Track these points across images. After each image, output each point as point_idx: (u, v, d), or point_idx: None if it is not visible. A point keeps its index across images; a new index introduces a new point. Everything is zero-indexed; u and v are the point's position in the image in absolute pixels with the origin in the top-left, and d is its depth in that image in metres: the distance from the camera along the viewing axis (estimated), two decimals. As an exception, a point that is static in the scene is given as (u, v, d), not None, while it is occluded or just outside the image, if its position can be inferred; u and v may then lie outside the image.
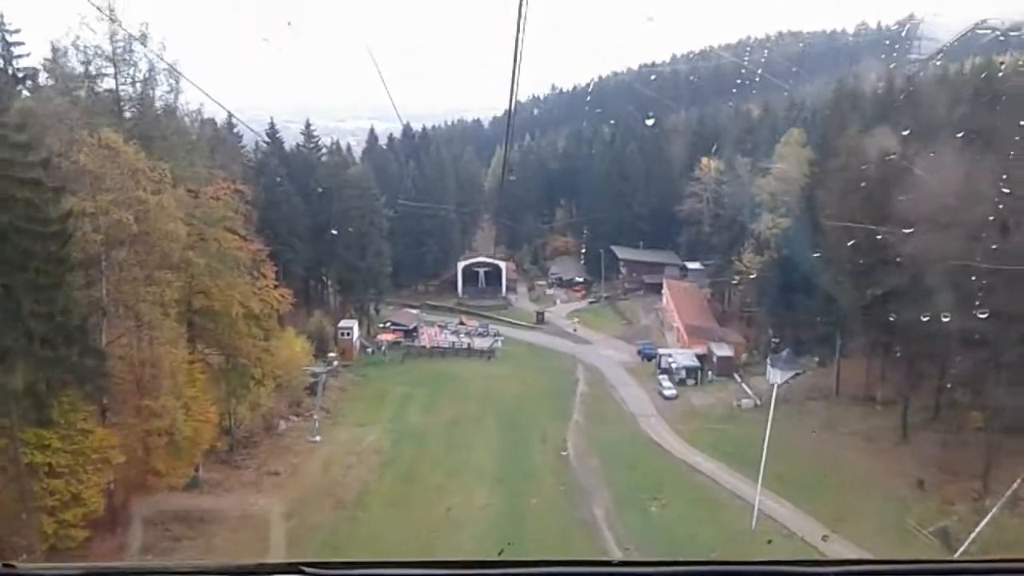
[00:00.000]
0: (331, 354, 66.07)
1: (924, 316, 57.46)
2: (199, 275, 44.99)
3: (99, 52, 45.82)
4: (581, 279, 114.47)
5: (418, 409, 74.00)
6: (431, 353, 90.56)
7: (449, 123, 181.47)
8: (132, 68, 44.89)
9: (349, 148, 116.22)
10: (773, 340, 77.87)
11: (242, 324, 46.74)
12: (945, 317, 55.71)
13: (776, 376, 75.93)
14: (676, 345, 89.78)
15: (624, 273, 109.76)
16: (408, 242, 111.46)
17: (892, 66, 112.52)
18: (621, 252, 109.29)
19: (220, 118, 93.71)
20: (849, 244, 67.69)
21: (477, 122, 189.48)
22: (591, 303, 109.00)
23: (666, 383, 77.31)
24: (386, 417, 71.17)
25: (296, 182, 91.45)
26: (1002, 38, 61.13)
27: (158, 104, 47.36)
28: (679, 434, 67.36)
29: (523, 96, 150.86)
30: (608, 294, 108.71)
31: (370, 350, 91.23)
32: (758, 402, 72.89)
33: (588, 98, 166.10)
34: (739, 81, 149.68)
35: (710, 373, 79.40)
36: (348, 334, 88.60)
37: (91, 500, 38.38)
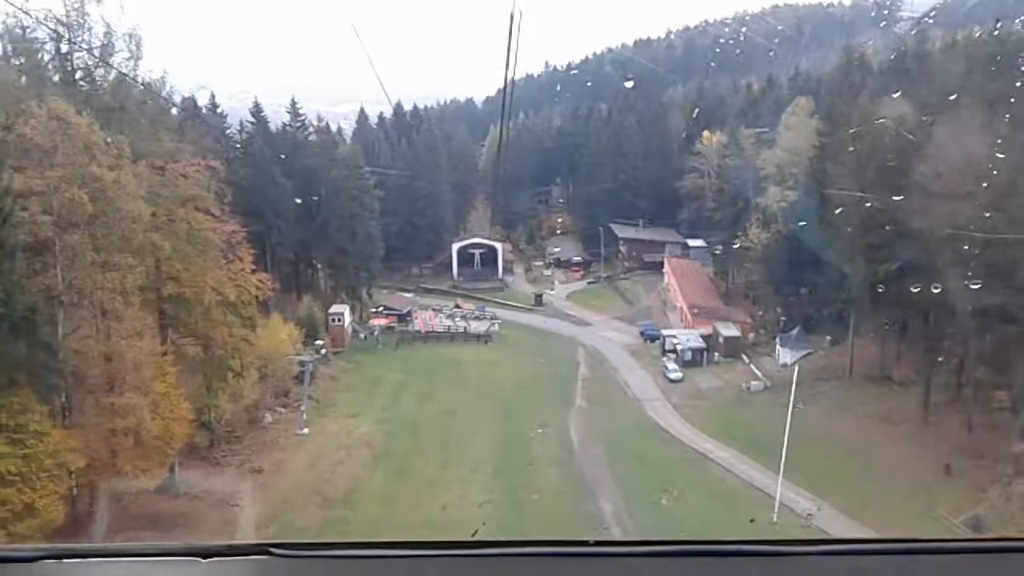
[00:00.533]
0: (319, 341, 62.12)
1: (941, 290, 53.80)
2: (167, 260, 40.75)
3: (49, 15, 41.25)
4: (579, 259, 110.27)
5: (412, 397, 69.96)
6: (426, 338, 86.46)
7: (442, 103, 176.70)
8: (87, 32, 40.36)
9: (340, 130, 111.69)
10: (782, 319, 73.92)
11: (217, 312, 42.50)
12: (965, 291, 51.98)
13: (786, 356, 72.18)
14: (680, 325, 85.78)
15: (624, 252, 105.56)
16: (401, 223, 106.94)
17: (883, 24, 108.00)
18: (620, 230, 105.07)
19: (204, 98, 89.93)
20: (862, 216, 63.98)
21: (470, 101, 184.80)
22: (590, 283, 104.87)
23: (671, 366, 73.31)
24: (378, 406, 67.13)
25: (282, 163, 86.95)
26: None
27: (116, 72, 42.77)
28: (687, 419, 63.45)
29: (516, 74, 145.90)
30: (607, 274, 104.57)
31: (362, 336, 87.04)
32: (768, 384, 69.05)
33: (582, 74, 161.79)
34: (738, 52, 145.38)
35: (716, 354, 75.38)
36: (339, 320, 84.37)
37: (48, 509, 34.28)
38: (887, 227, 59.11)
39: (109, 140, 35.32)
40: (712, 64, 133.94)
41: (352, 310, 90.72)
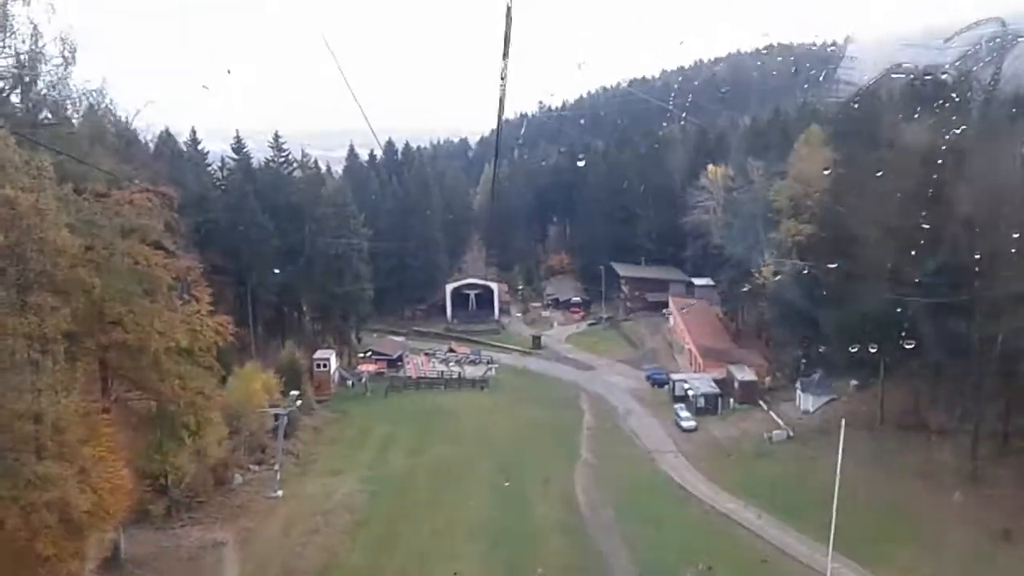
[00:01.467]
0: (293, 392, 55.01)
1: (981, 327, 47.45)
2: (109, 300, 34.05)
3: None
4: (579, 299, 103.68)
5: (401, 451, 62.75)
6: (417, 384, 79.38)
7: (435, 143, 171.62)
8: (9, 37, 33.86)
9: (329, 169, 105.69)
10: (801, 362, 67.03)
11: (167, 361, 35.66)
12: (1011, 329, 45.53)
13: (807, 403, 65.38)
14: (689, 369, 78.92)
15: (626, 292, 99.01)
16: (392, 264, 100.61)
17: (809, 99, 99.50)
18: (622, 269, 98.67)
19: (183, 134, 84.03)
20: (889, 248, 57.72)
21: (464, 142, 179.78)
22: (591, 325, 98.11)
23: (683, 413, 66.30)
24: (364, 462, 59.90)
25: (264, 199, 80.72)
26: (917, 82, 55.89)
27: (44, 83, 36.32)
28: (705, 474, 56.28)
29: (510, 114, 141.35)
30: (609, 314, 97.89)
31: (350, 383, 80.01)
32: (790, 433, 62.02)
33: (577, 114, 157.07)
34: (732, 89, 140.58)
35: (731, 400, 68.43)
36: (324, 365, 77.42)
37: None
38: (919, 259, 52.73)
39: (28, 159, 28.83)
40: (721, 93, 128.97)
41: (340, 355, 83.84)
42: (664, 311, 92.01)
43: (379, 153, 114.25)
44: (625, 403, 72.46)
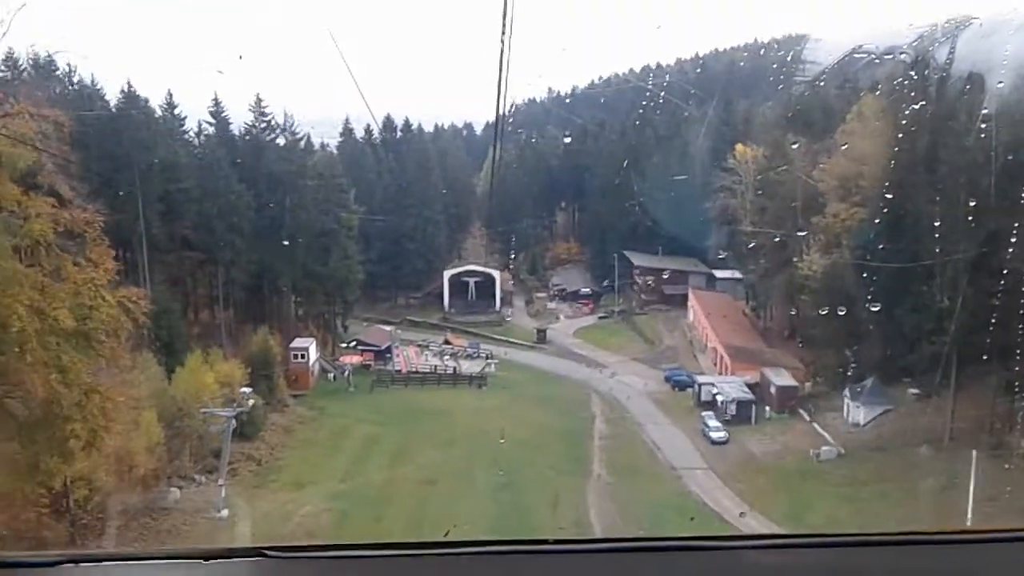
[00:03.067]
0: (245, 389, 44.14)
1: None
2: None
3: None
4: (588, 291, 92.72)
5: (383, 458, 52.13)
6: (407, 380, 68.59)
7: (438, 127, 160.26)
8: None
9: (323, 144, 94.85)
10: (850, 365, 56.14)
11: (37, 347, 25.04)
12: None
13: (858, 414, 54.56)
14: (714, 371, 68.16)
15: (640, 283, 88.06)
16: (386, 247, 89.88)
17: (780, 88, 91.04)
18: (636, 259, 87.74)
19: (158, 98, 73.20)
20: (963, 232, 47.46)
21: (468, 127, 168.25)
22: (601, 318, 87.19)
23: (712, 422, 55.50)
24: (337, 471, 49.25)
25: (242, 168, 69.95)
26: (877, 61, 56.95)
27: None
28: (744, 499, 45.50)
29: (518, 99, 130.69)
30: (621, 308, 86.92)
31: (331, 376, 69.28)
32: (841, 451, 51.26)
33: (588, 99, 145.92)
34: (755, 76, 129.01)
35: (767, 409, 57.66)
36: (303, 356, 66.61)
37: None
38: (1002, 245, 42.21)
39: None
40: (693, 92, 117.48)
41: (324, 344, 73.09)
42: (691, 305, 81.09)
43: (377, 131, 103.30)
44: (643, 408, 61.66)
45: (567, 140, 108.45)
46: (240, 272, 67.38)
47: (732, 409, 57.17)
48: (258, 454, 51.56)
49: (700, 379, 62.14)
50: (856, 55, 59.59)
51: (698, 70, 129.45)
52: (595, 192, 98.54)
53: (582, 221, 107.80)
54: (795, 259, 61.28)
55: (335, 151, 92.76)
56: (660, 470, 50.62)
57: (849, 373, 56.43)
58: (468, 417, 59.82)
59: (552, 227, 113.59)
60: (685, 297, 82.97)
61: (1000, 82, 46.04)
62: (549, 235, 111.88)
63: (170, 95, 74.34)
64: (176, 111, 75.12)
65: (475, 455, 52.30)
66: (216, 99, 74.19)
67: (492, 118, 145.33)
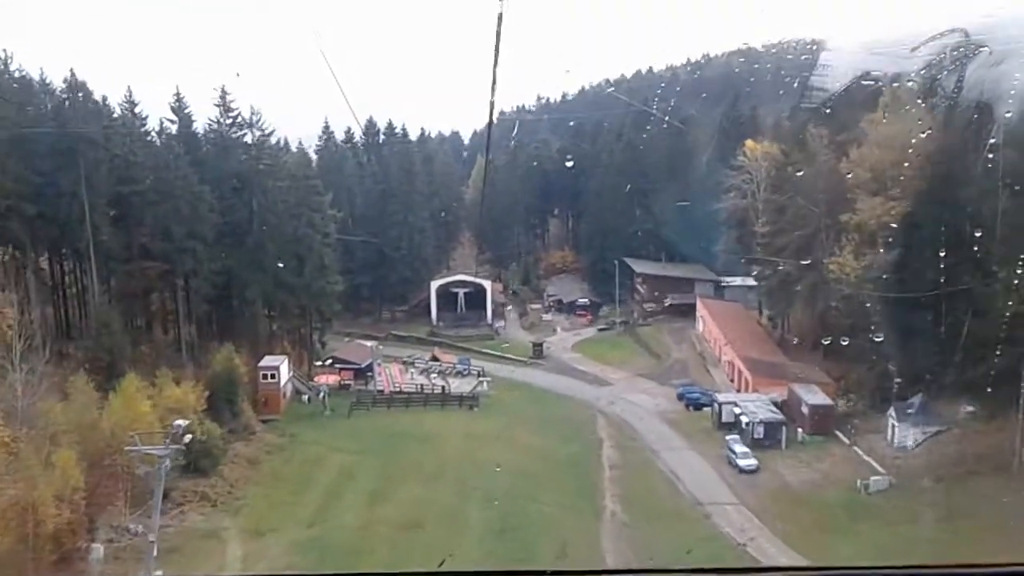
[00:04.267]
0: (179, 421, 35.52)
1: None
2: None
3: None
4: (586, 301, 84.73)
5: (360, 496, 43.90)
6: (390, 401, 60.32)
7: (425, 135, 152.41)
8: None
9: (301, 145, 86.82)
10: (895, 381, 48.37)
11: None
12: None
13: (906, 435, 46.78)
14: (730, 386, 60.37)
15: (642, 292, 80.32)
16: (369, 256, 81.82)
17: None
18: (638, 266, 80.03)
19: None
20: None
21: (455, 135, 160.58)
22: (601, 330, 79.16)
23: (739, 448, 47.47)
24: (305, 514, 40.92)
25: (204, 168, 61.85)
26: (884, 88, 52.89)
27: None
28: (789, 544, 37.38)
29: (507, 106, 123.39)
30: (622, 319, 78.97)
31: (306, 397, 60.94)
32: (892, 480, 43.36)
33: (579, 105, 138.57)
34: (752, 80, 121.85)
35: (800, 431, 49.80)
36: (273, 376, 58.28)
37: None
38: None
39: None
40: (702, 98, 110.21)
41: (299, 363, 64.86)
42: (699, 314, 73.32)
43: (359, 133, 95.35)
44: (655, 430, 53.65)
45: (569, 163, 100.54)
46: (202, 283, 59.14)
47: (759, 431, 49.24)
48: (214, 492, 43.23)
49: (720, 397, 54.14)
50: (864, 81, 53.95)
51: (696, 74, 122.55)
52: (591, 197, 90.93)
53: (577, 228, 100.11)
54: (825, 260, 53.72)
55: (310, 152, 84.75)
56: (683, 506, 42.55)
57: (893, 389, 48.81)
58: (458, 444, 51.68)
59: (545, 235, 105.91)
60: (692, 306, 75.25)
61: (1008, 112, 41.57)
62: (542, 243, 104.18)
63: (130, 92, 66.34)
64: (136, 109, 67.06)
65: (467, 490, 44.24)
66: (178, 94, 66.04)
67: (479, 127, 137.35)
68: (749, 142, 71.76)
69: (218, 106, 64.88)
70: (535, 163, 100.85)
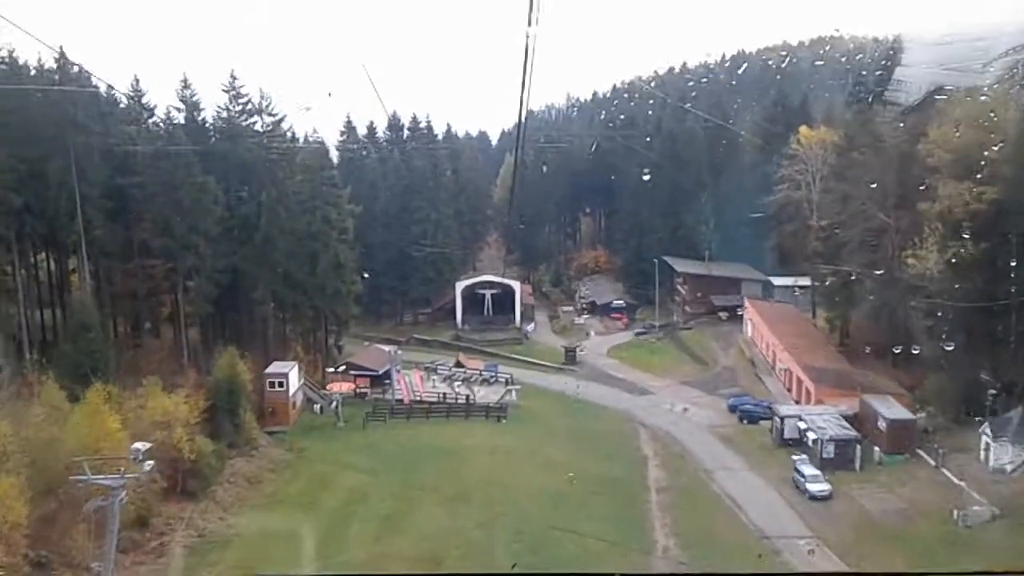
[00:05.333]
0: (139, 445, 28.89)
1: None
2: None
3: None
4: (621, 302, 77.90)
5: (371, 523, 37.47)
6: (410, 412, 53.91)
7: (451, 128, 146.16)
8: None
9: (323, 144, 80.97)
10: (991, 392, 40.96)
11: None
12: None
13: (1003, 455, 39.56)
14: (786, 397, 53.23)
15: (684, 293, 73.27)
16: (390, 256, 75.91)
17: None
18: (680, 265, 72.99)
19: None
20: None
21: (483, 135, 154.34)
22: (639, 334, 72.23)
23: (808, 470, 40.27)
24: (304, 549, 34.38)
25: (211, 158, 56.07)
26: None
27: None
28: (884, 591, 30.30)
29: (536, 105, 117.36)
30: (662, 322, 71.95)
31: (317, 407, 54.74)
32: (995, 511, 35.93)
33: (609, 103, 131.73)
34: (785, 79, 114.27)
35: (876, 450, 42.52)
36: (281, 384, 52.13)
37: None
38: None
39: None
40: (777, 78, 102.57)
41: (312, 369, 58.76)
42: (748, 317, 66.16)
43: (385, 120, 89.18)
44: (706, 447, 46.67)
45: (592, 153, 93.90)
46: (205, 282, 53.17)
47: (829, 450, 42.06)
48: (203, 520, 37.10)
49: (782, 410, 46.89)
50: (937, 96, 49.96)
51: (739, 71, 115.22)
52: (625, 193, 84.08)
53: (611, 226, 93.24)
54: (900, 254, 46.50)
55: (325, 142, 78.50)
56: (749, 540, 35.52)
57: (985, 401, 41.40)
58: (483, 461, 45.06)
59: (576, 234, 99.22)
60: (736, 308, 68.09)
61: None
62: (573, 243, 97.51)
63: (136, 80, 60.86)
64: (143, 99, 61.47)
65: (493, 518, 37.65)
66: (185, 80, 60.27)
67: (507, 127, 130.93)
68: (803, 128, 64.58)
69: (227, 91, 59.13)
70: (565, 162, 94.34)
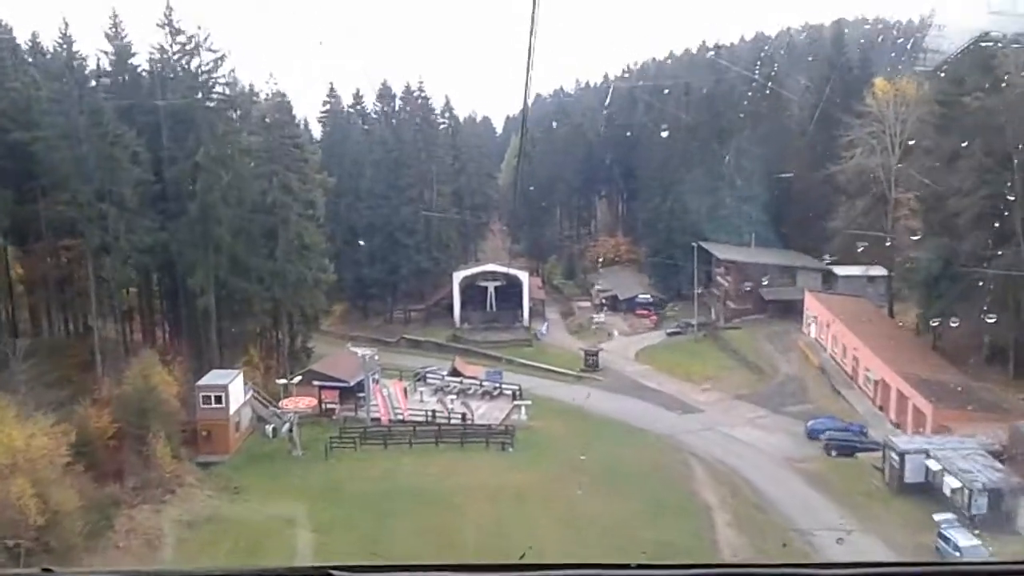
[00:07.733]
0: None
1: None
2: None
3: None
4: (648, 297, 63.95)
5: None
6: (388, 435, 40.02)
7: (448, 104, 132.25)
8: None
9: (306, 123, 67.30)
10: None
11: None
12: None
13: None
14: (878, 416, 39.29)
15: (726, 285, 59.14)
16: (377, 243, 62.25)
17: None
18: (721, 251, 58.94)
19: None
20: None
21: (486, 120, 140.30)
22: (671, 334, 58.36)
23: (964, 539, 26.26)
24: None
25: (135, 109, 42.42)
26: (1003, 48, 40.73)
27: None
28: None
29: (543, 90, 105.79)
30: (701, 319, 57.90)
31: (270, 428, 40.85)
32: None
33: (621, 87, 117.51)
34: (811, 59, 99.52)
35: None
36: (219, 399, 38.40)
37: None
38: None
39: None
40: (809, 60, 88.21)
41: (266, 378, 45.09)
42: (810, 313, 52.15)
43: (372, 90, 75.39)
44: (792, 493, 32.68)
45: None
46: (120, 264, 39.42)
47: (980, 505, 28.17)
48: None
49: (900, 442, 32.70)
50: (982, 43, 42.71)
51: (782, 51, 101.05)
52: (648, 173, 70.04)
53: (632, 210, 79.17)
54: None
55: (286, 97, 63.66)
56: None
57: None
58: (482, 511, 31.43)
59: (592, 220, 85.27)
60: (792, 303, 54.22)
61: None
62: (588, 230, 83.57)
63: (65, 24, 46.99)
64: (73, 48, 47.70)
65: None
66: (115, 16, 46.64)
67: (512, 113, 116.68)
68: (879, 80, 50.79)
69: (162, 27, 45.19)
70: (578, 139, 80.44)
